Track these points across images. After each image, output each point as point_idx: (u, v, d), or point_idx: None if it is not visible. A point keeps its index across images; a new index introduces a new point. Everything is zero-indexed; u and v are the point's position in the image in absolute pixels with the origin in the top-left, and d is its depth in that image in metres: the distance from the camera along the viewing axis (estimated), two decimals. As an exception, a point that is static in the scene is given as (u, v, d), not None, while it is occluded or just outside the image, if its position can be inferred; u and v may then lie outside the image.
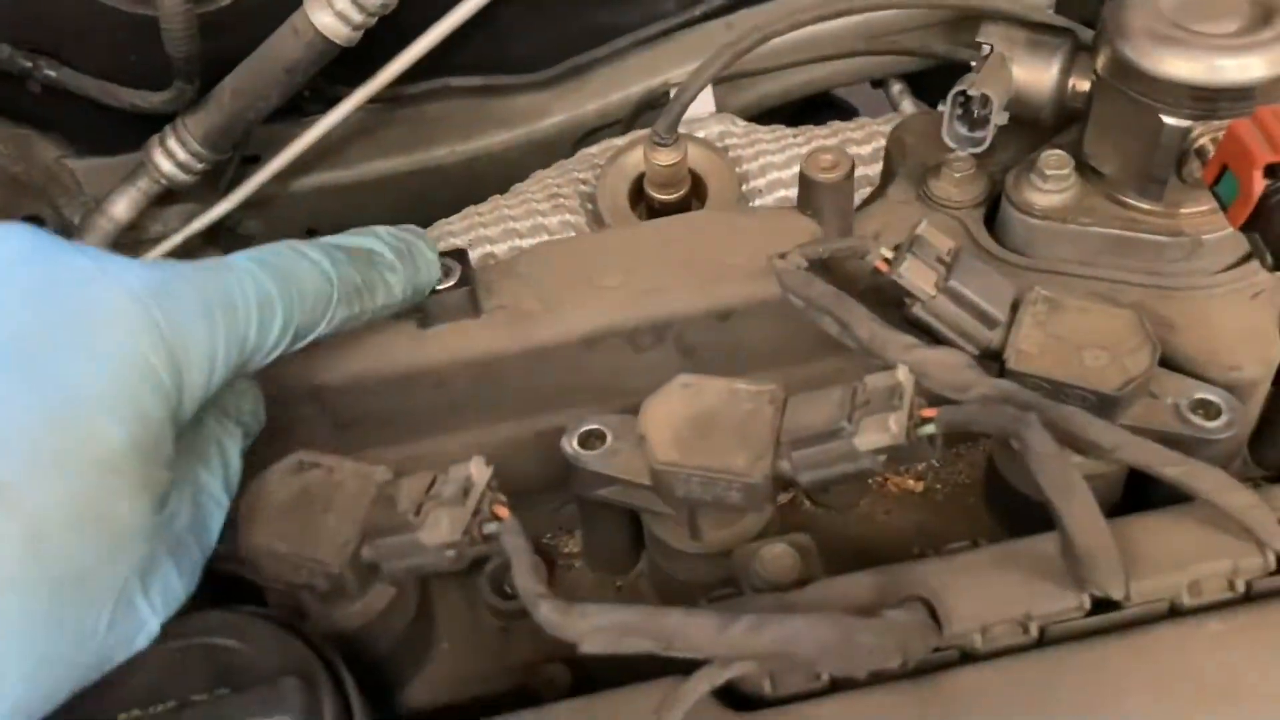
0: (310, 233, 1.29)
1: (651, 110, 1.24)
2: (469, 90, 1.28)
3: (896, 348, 0.57)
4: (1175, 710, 0.50)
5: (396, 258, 0.62)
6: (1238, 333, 0.64)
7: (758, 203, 1.03)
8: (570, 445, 0.64)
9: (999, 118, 0.65)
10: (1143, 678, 0.51)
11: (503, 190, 1.12)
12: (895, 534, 0.71)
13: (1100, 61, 0.65)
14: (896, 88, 1.36)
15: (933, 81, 1.28)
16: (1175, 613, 0.54)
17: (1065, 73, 0.68)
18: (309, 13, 1.08)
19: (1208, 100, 0.62)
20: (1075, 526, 0.50)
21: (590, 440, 0.64)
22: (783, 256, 0.62)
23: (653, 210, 1.00)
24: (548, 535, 0.73)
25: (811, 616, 0.48)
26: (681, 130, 1.10)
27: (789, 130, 1.10)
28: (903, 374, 0.56)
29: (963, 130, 0.66)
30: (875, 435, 0.55)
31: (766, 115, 1.30)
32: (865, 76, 1.35)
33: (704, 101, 1.16)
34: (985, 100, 0.64)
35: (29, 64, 1.13)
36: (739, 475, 0.58)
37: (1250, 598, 0.54)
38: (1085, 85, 0.68)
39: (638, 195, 1.01)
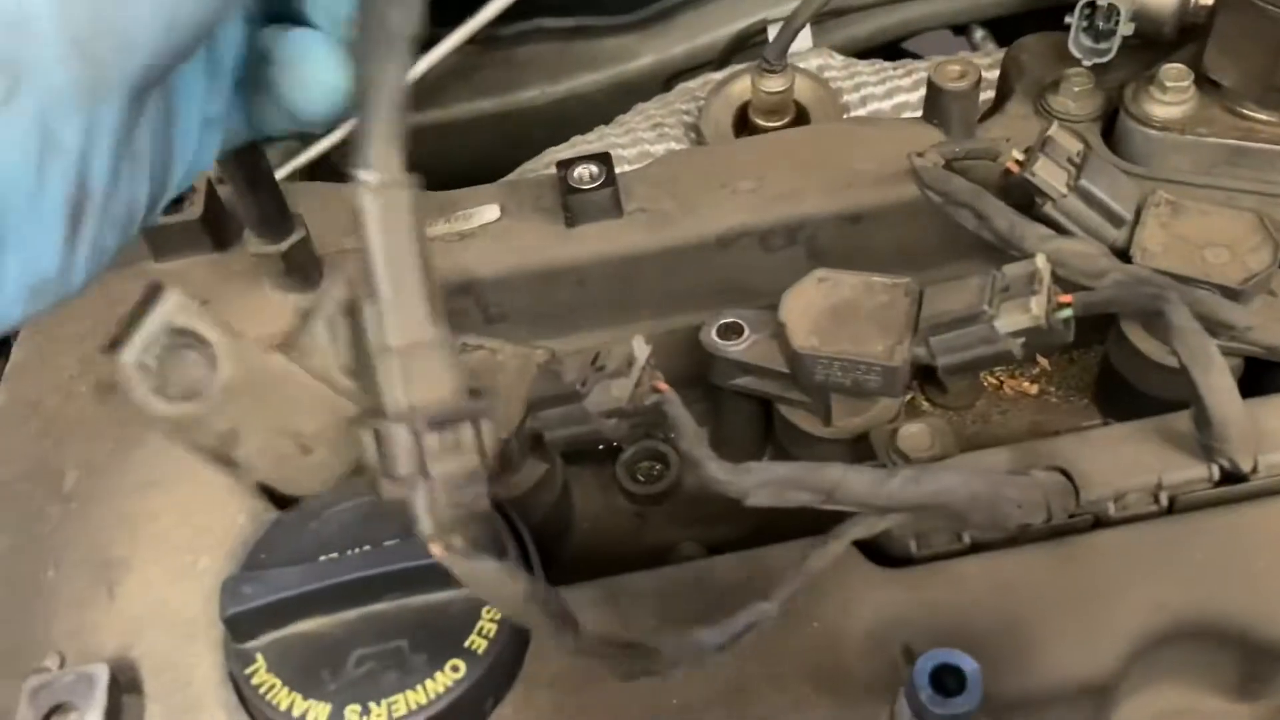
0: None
1: (741, 52, 1.28)
2: (560, 32, 1.32)
3: (1034, 238, 0.61)
4: (1306, 570, 0.53)
5: None
6: (1354, 237, 0.67)
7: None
8: (710, 336, 0.67)
9: (1125, 29, 0.68)
10: (1272, 540, 0.54)
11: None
12: (1010, 434, 0.74)
13: (1225, -27, 0.67)
14: (979, 34, 1.38)
15: (1014, 28, 1.31)
16: (1299, 487, 0.57)
17: (1189, -14, 0.70)
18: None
19: (1334, 7, 0.64)
20: (1212, 396, 0.53)
21: (728, 332, 0.68)
22: (921, 155, 0.65)
23: (758, 139, 1.03)
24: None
25: (964, 471, 0.52)
26: (779, 64, 1.13)
27: (886, 64, 1.13)
28: (1041, 261, 0.59)
29: (1088, 42, 0.69)
30: (1016, 317, 0.58)
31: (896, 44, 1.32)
32: (950, 21, 1.37)
33: (801, 37, 1.19)
34: (1112, 11, 0.67)
35: None
36: (878, 360, 0.62)
37: (1375, 474, 0.57)
38: (1208, -1, 0.70)
39: (741, 124, 1.04)
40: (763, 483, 0.53)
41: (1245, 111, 0.70)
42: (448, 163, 1.35)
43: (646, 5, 1.32)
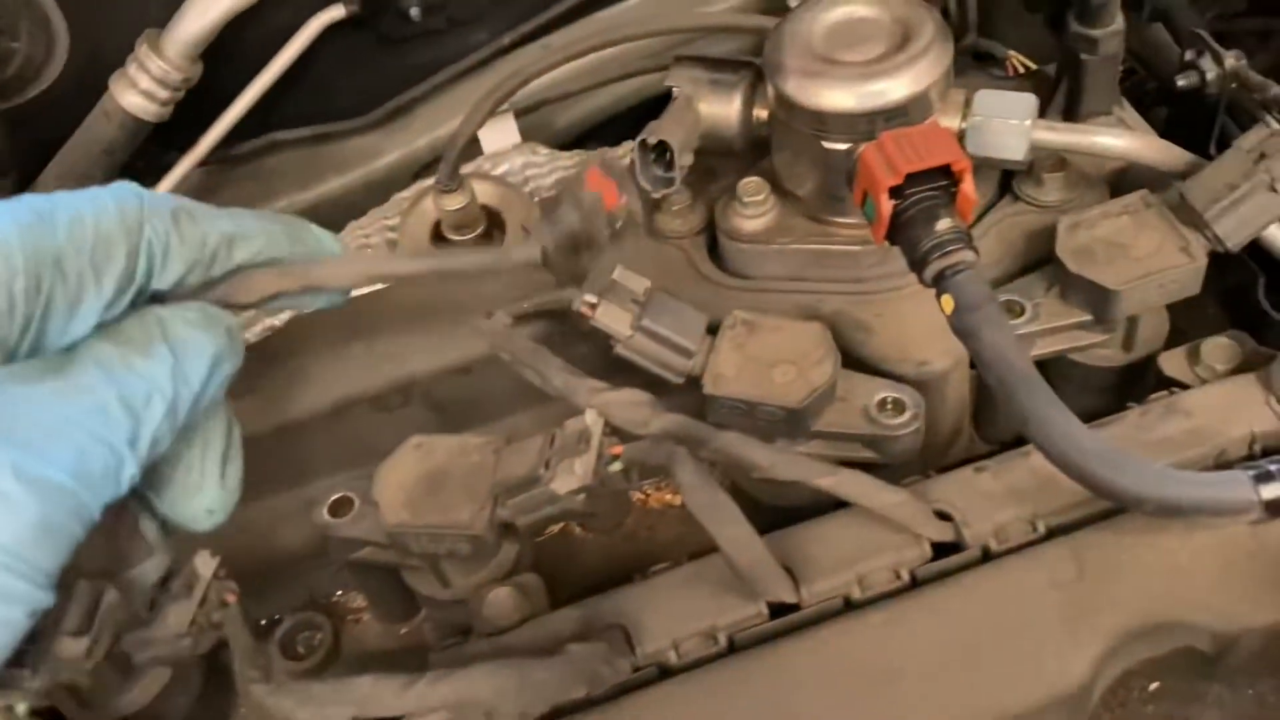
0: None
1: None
2: (299, 141, 1.32)
3: (584, 392, 0.62)
4: (842, 698, 0.55)
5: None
6: (925, 330, 0.69)
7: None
8: (321, 515, 0.68)
9: (684, 159, 0.69)
10: (814, 673, 0.56)
11: (345, 235, 1.15)
12: (658, 548, 0.76)
13: (769, 96, 0.69)
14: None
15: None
16: (850, 606, 0.59)
17: (748, 105, 0.72)
18: (116, 95, 1.11)
19: (864, 123, 0.66)
20: (731, 548, 0.55)
21: (341, 508, 0.68)
22: (489, 316, 0.67)
23: (455, 252, 1.04)
24: (338, 592, 0.77)
25: (489, 664, 0.53)
26: (485, 164, 1.14)
27: (587, 155, 1.14)
28: (590, 418, 0.60)
29: (657, 172, 0.70)
30: (567, 479, 0.59)
31: (605, 125, 1.34)
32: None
33: (507, 133, 1.20)
34: (663, 146, 0.69)
35: None
36: (463, 528, 0.63)
37: (917, 584, 0.59)
38: (767, 115, 0.72)
39: (441, 239, 1.05)
40: (301, 701, 0.54)
41: (823, 216, 0.73)
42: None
43: (381, 105, 1.32)
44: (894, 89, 0.66)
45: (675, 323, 0.67)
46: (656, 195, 0.71)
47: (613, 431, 0.62)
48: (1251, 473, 0.52)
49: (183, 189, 1.23)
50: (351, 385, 0.71)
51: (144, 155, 1.24)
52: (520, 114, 1.22)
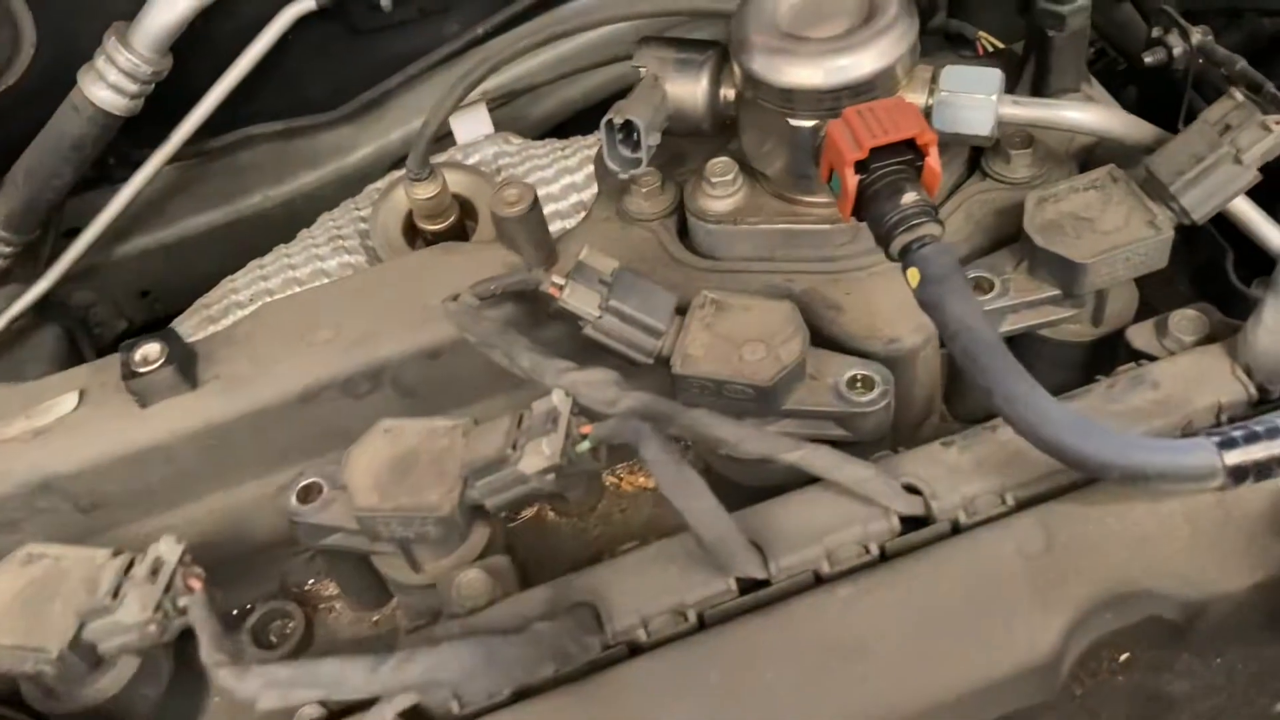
0: (144, 294, 1.31)
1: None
2: (272, 135, 1.31)
3: (552, 373, 0.62)
4: (812, 672, 0.55)
5: None
6: (895, 307, 0.69)
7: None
8: (289, 501, 0.67)
9: (650, 139, 0.69)
10: (782, 648, 0.56)
11: (322, 228, 1.15)
12: (630, 529, 0.76)
13: (735, 75, 0.69)
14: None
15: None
16: (820, 581, 0.59)
17: (715, 84, 0.72)
18: (84, 89, 1.10)
19: (830, 99, 0.66)
20: (698, 522, 0.55)
21: (310, 494, 0.68)
22: (455, 298, 0.66)
23: (429, 242, 1.03)
24: (309, 581, 0.77)
25: (456, 642, 0.53)
26: (458, 155, 1.14)
27: (559, 143, 1.14)
28: (558, 398, 0.60)
29: (625, 153, 0.70)
30: (535, 459, 0.59)
31: (579, 116, 1.34)
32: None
33: (480, 123, 1.20)
34: (630, 125, 0.68)
35: None
36: (432, 510, 0.62)
37: (886, 558, 0.59)
38: (734, 94, 0.72)
39: (413, 229, 1.04)
40: (268, 684, 0.53)
41: (792, 196, 0.72)
42: (189, 279, 1.34)
43: (353, 97, 1.32)
44: (860, 64, 0.65)
45: (643, 303, 0.66)
46: (625, 176, 0.71)
47: (581, 411, 0.61)
48: (1215, 439, 0.52)
49: (158, 187, 1.22)
50: (320, 371, 0.71)
51: (115, 151, 1.23)
52: (495, 106, 1.22)
